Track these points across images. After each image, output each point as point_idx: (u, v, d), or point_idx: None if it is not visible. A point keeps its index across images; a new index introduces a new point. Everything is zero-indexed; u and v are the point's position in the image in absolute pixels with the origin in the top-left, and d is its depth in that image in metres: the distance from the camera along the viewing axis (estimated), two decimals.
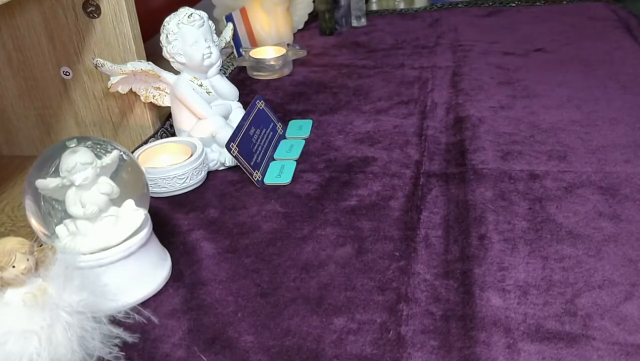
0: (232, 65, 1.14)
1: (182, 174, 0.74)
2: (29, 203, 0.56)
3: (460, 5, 1.40)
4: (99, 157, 0.56)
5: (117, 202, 0.58)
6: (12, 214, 0.76)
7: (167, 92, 0.83)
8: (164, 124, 0.88)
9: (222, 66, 0.85)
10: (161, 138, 0.84)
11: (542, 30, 1.18)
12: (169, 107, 0.84)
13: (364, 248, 0.63)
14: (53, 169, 0.56)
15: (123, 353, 0.49)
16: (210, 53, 0.78)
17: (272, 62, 1.08)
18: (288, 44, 1.14)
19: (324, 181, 0.75)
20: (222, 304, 0.57)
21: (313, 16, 1.31)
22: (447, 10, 1.38)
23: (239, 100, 0.85)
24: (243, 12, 1.17)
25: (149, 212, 0.61)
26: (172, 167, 0.74)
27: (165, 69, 0.81)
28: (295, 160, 0.80)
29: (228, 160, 0.79)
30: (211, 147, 0.80)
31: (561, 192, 0.69)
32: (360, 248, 0.63)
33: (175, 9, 0.78)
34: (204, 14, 0.78)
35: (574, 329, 0.51)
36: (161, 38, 0.78)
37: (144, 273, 0.59)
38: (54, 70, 0.85)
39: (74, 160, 0.54)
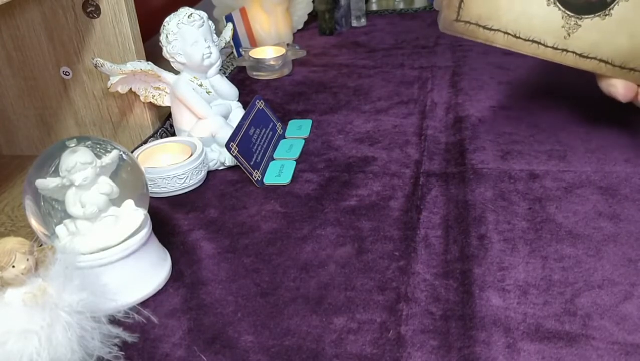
0: (232, 65, 1.14)
1: (182, 174, 0.74)
2: (28, 203, 0.56)
3: None
4: (99, 157, 0.57)
5: (116, 201, 0.58)
6: (12, 214, 0.76)
7: (167, 92, 0.83)
8: (164, 124, 0.88)
9: (221, 66, 0.85)
10: (161, 138, 0.85)
11: None
12: (169, 107, 0.84)
13: (363, 248, 0.63)
14: (53, 169, 0.56)
15: (123, 353, 0.49)
16: (210, 53, 0.78)
17: (272, 62, 1.08)
18: (288, 44, 1.14)
19: (324, 181, 0.75)
20: (222, 304, 0.57)
21: (313, 16, 1.31)
22: None
23: (239, 100, 0.85)
24: (243, 12, 1.17)
25: (148, 211, 0.61)
26: (171, 167, 0.74)
27: (165, 69, 0.81)
28: (295, 160, 0.80)
29: (228, 160, 0.79)
30: (211, 147, 0.80)
31: (561, 191, 0.69)
32: (360, 248, 0.63)
33: (175, 9, 0.78)
34: (204, 14, 0.78)
35: (574, 329, 0.51)
36: (161, 38, 0.78)
37: (143, 273, 0.59)
38: (53, 70, 0.85)
39: (73, 160, 0.54)
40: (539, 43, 0.62)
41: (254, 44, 1.19)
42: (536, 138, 0.80)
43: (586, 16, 0.60)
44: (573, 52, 0.62)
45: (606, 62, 0.62)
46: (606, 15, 0.60)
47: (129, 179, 0.59)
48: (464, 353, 0.49)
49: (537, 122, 0.84)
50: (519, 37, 0.63)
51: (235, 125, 0.78)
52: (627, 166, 0.72)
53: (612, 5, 0.59)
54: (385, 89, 1.00)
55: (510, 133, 0.82)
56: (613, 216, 0.64)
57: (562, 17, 0.60)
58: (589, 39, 0.61)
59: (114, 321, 0.50)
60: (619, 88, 0.65)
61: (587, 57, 0.62)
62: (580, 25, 0.60)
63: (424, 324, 0.53)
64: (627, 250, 0.59)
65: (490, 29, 0.64)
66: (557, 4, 0.60)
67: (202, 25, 0.77)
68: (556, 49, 0.62)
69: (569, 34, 0.61)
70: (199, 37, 0.77)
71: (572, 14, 0.60)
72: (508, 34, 0.63)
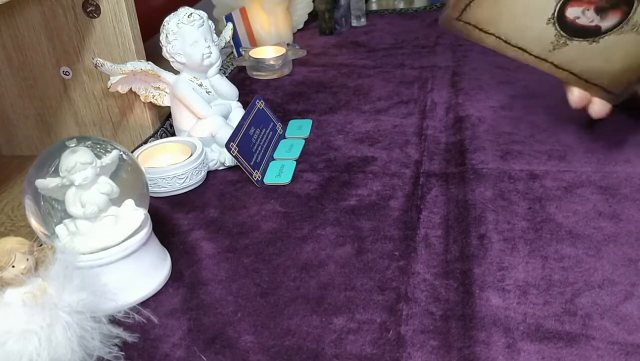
0: (232, 65, 1.14)
1: (182, 174, 0.74)
2: (28, 203, 0.56)
3: None
4: (99, 157, 0.57)
5: (116, 201, 0.58)
6: (12, 214, 0.76)
7: (167, 92, 0.83)
8: (164, 124, 0.88)
9: (221, 66, 0.85)
10: (161, 138, 0.85)
11: None
12: (169, 107, 0.84)
13: (363, 248, 0.63)
14: (53, 169, 0.56)
15: (123, 353, 0.50)
16: (210, 53, 0.78)
17: (271, 62, 1.08)
18: (288, 44, 1.14)
19: (324, 181, 0.75)
20: (222, 304, 0.57)
21: (313, 16, 1.31)
22: None
23: (239, 100, 0.85)
24: (243, 11, 1.17)
25: (148, 211, 0.61)
26: (171, 166, 0.74)
27: (165, 69, 0.81)
28: (295, 160, 0.80)
29: (228, 159, 0.79)
30: (211, 147, 0.80)
31: (561, 191, 0.69)
32: (360, 248, 0.63)
33: (175, 9, 0.78)
34: (204, 14, 0.78)
35: (574, 329, 0.51)
36: (161, 38, 0.78)
37: (143, 273, 0.59)
38: (53, 70, 0.85)
39: (73, 159, 0.54)
40: (524, 50, 0.66)
41: (254, 44, 1.19)
42: (536, 138, 0.80)
43: (576, 39, 0.64)
44: (551, 62, 0.66)
45: (575, 75, 0.66)
46: (594, 42, 0.63)
47: (129, 179, 0.59)
48: (464, 353, 0.49)
49: (537, 122, 0.84)
50: (508, 43, 0.66)
51: (235, 125, 0.78)
52: (627, 166, 0.72)
53: (604, 35, 0.63)
54: (385, 88, 1.00)
55: (510, 133, 0.82)
56: (613, 216, 0.64)
57: (554, 36, 0.64)
58: (569, 56, 0.65)
59: (114, 321, 0.50)
60: (575, 95, 0.68)
61: (561, 68, 0.66)
62: (567, 44, 0.64)
63: (424, 324, 0.53)
64: (627, 250, 0.59)
65: (485, 32, 0.67)
66: (556, 25, 0.63)
67: (202, 25, 0.77)
68: (537, 57, 0.66)
69: (554, 49, 0.64)
70: (199, 37, 0.77)
71: (565, 35, 0.63)
72: (500, 39, 0.66)
